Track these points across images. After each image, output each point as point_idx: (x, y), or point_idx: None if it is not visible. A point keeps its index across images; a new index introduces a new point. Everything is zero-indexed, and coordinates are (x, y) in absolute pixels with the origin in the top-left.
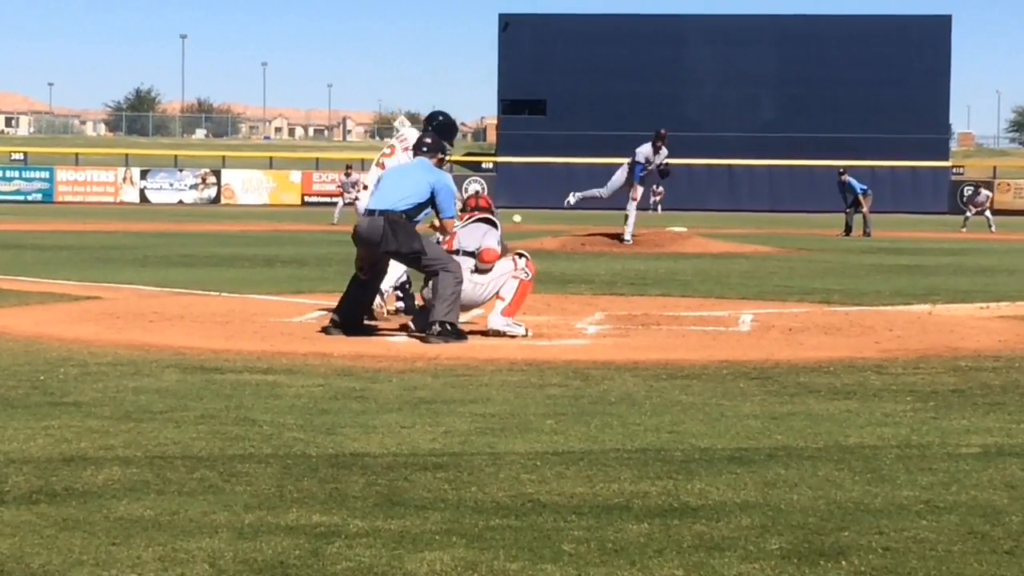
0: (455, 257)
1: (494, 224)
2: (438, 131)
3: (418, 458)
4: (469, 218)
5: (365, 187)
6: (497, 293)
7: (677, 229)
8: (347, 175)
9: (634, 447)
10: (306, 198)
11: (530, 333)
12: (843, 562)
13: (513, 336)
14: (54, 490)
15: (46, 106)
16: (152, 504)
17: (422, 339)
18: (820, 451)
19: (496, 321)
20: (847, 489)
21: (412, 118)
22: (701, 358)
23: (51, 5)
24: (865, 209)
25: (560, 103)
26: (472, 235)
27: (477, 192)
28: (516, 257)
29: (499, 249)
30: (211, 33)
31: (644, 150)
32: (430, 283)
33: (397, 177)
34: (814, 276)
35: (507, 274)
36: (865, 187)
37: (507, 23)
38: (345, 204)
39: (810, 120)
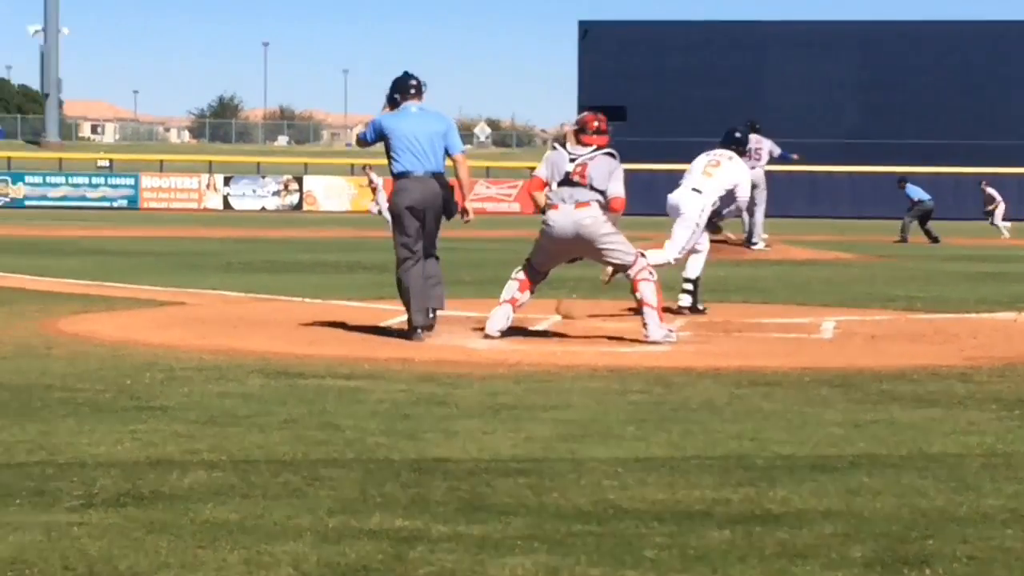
0: (584, 193)
1: (616, 159)
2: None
3: (500, 464)
4: (595, 148)
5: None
6: (642, 300)
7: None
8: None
9: (716, 454)
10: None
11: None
12: (927, 571)
13: (668, 343)
14: (141, 493)
15: (131, 113)
16: (237, 507)
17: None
18: (903, 459)
19: (656, 333)
20: (931, 497)
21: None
22: (783, 365)
23: (136, 15)
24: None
25: (640, 109)
26: (599, 171)
27: (594, 110)
28: (640, 255)
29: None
30: (293, 40)
31: (768, 145)
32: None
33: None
34: (897, 283)
35: (632, 253)
36: (926, 196)
37: (587, 30)
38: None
39: (893, 127)
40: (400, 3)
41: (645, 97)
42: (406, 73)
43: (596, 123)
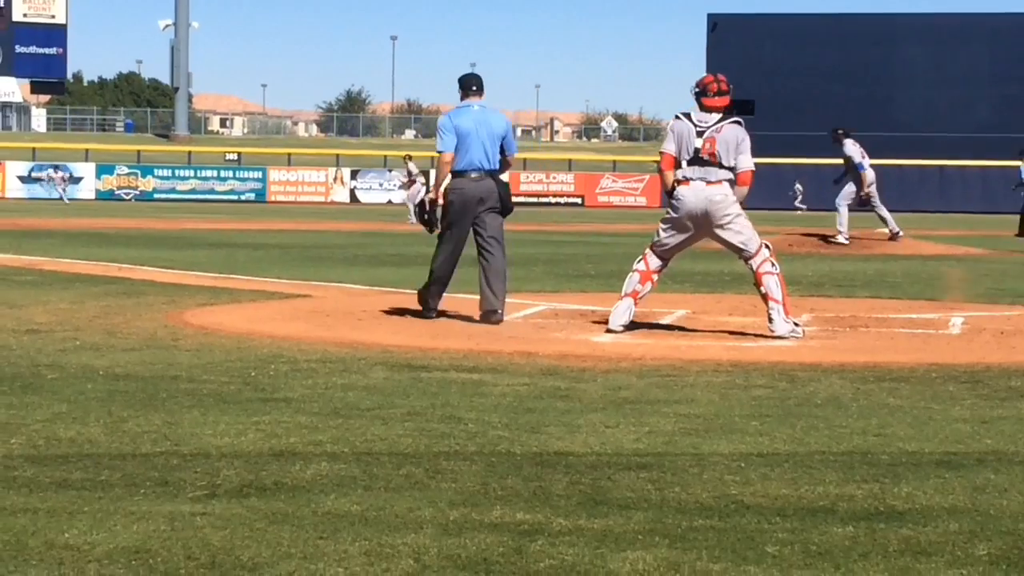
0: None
1: (742, 126)
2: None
3: (622, 458)
4: (721, 116)
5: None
6: (767, 295)
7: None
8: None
9: (840, 450)
10: (513, 198)
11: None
12: None
13: (793, 338)
14: (264, 484)
15: (260, 107)
16: (359, 499)
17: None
18: None
19: (782, 327)
20: None
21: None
22: (909, 360)
23: (265, 9)
24: None
25: (769, 103)
26: (726, 143)
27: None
28: (764, 246)
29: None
30: (421, 35)
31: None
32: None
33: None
34: None
35: (757, 241)
36: None
37: (715, 23)
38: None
39: None
40: None
41: (773, 91)
42: (470, 73)
43: (716, 84)
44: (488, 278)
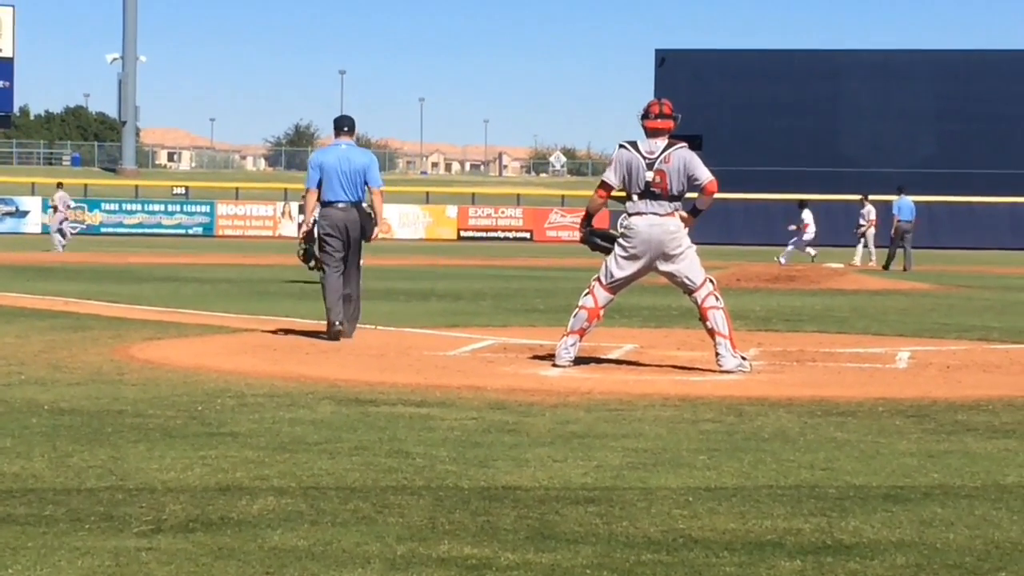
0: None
1: (686, 147)
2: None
3: (570, 492)
4: (667, 143)
5: None
6: (713, 330)
7: (834, 265)
8: None
9: (787, 483)
10: (462, 233)
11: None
12: None
13: (741, 372)
14: (210, 519)
15: (208, 141)
16: (306, 534)
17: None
18: (977, 490)
19: (729, 362)
20: (1005, 529)
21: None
22: (857, 395)
23: (213, 43)
24: None
25: (716, 138)
26: (676, 172)
27: (660, 100)
28: (708, 280)
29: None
30: (369, 69)
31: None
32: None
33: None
34: (973, 313)
35: (703, 275)
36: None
37: (663, 58)
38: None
39: (970, 156)
40: (476, 33)
41: (722, 125)
42: (343, 115)
43: (659, 107)
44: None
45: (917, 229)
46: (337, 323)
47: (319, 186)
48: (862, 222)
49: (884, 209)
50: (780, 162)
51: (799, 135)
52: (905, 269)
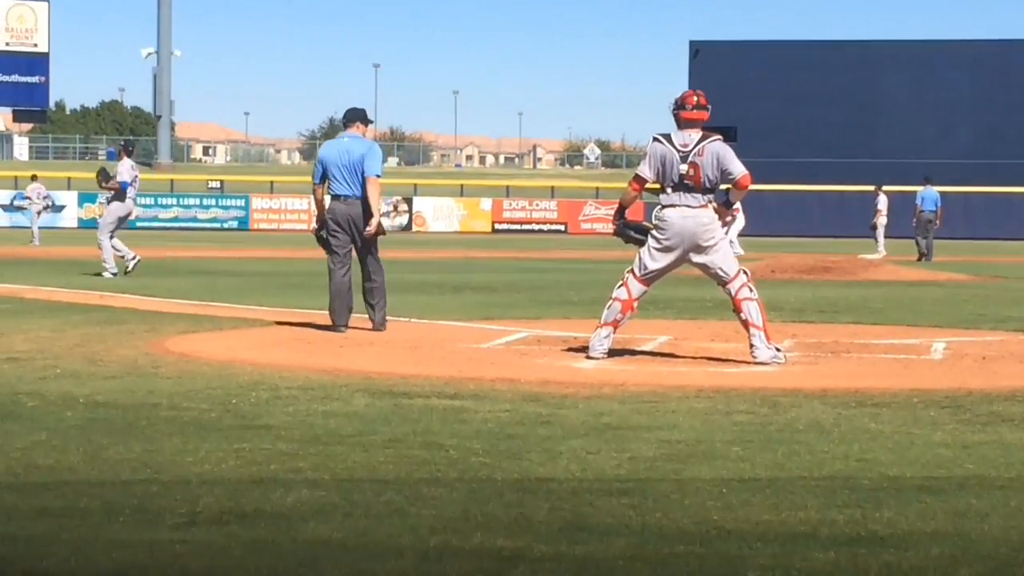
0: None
1: (721, 140)
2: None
3: (603, 484)
4: (701, 135)
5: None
6: (747, 321)
7: (870, 256)
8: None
9: (821, 475)
10: (496, 225)
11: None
12: None
13: (775, 364)
14: (244, 511)
15: (242, 135)
16: (339, 526)
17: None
18: (1012, 481)
19: (763, 353)
20: None
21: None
22: (891, 386)
23: (247, 37)
24: None
25: (751, 130)
26: (710, 165)
27: (696, 91)
28: (742, 272)
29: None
30: (403, 62)
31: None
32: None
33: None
34: (1010, 304)
35: (736, 266)
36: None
37: (697, 50)
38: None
39: (1007, 147)
40: (511, 25)
41: (756, 117)
42: (351, 108)
43: (695, 98)
44: (364, 295)
45: (942, 219)
46: (341, 327)
47: (324, 181)
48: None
49: (910, 200)
50: (815, 153)
51: (834, 126)
52: (921, 259)
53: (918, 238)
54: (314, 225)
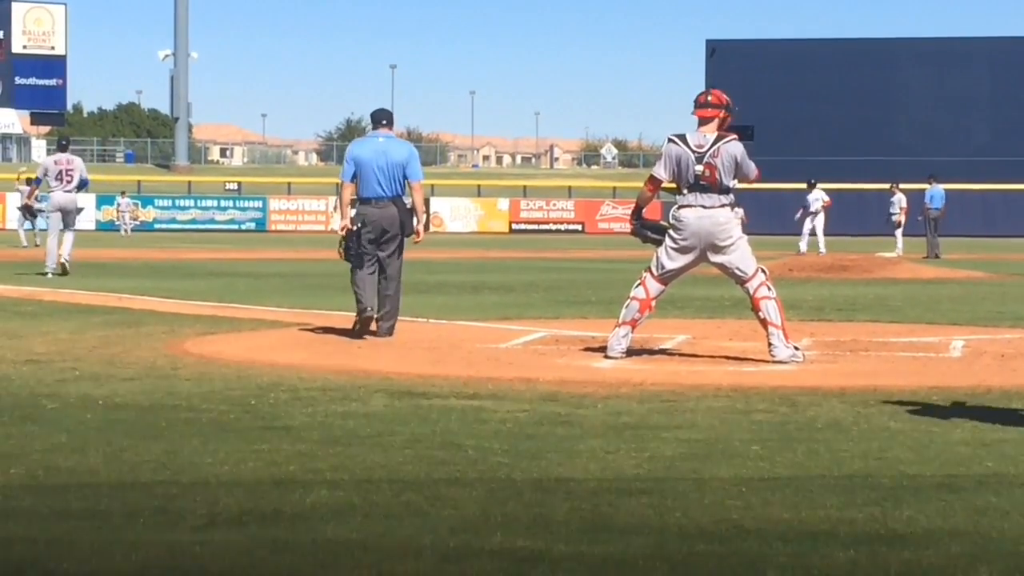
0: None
1: (737, 140)
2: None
3: (622, 483)
4: (716, 135)
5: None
6: (766, 320)
7: (888, 255)
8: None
9: (841, 473)
10: (513, 225)
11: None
12: None
13: (794, 362)
14: (263, 512)
15: (259, 137)
16: (359, 527)
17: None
18: None
19: (782, 352)
20: None
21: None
22: (910, 384)
23: (264, 39)
24: None
25: (768, 128)
26: (726, 165)
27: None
28: (760, 270)
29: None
30: (419, 63)
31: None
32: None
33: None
34: None
35: (754, 265)
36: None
37: (714, 49)
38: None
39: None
40: (527, 25)
41: (773, 115)
42: (380, 108)
43: (708, 96)
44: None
45: (945, 216)
46: (369, 308)
47: (354, 180)
48: (894, 211)
49: (918, 197)
50: (833, 151)
51: (852, 124)
52: (928, 256)
53: (929, 236)
54: (344, 224)
